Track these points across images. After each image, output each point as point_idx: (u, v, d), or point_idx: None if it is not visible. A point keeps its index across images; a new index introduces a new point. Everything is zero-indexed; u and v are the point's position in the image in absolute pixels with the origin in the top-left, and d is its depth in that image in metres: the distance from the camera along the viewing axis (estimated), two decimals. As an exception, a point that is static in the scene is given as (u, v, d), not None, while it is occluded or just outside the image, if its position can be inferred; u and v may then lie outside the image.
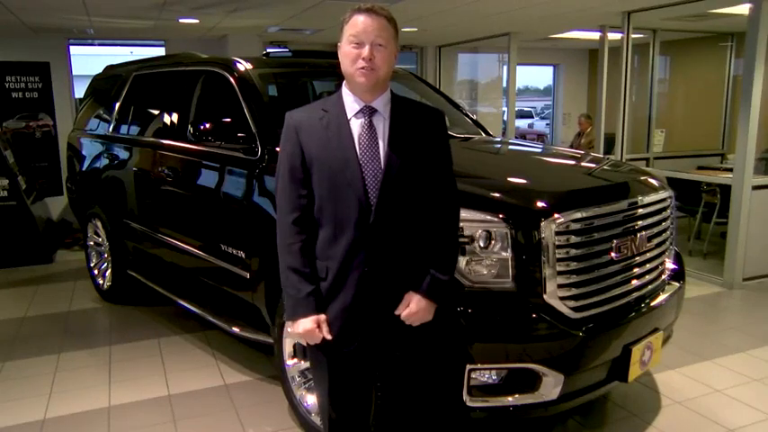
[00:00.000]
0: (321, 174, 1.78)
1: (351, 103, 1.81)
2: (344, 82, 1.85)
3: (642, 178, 2.94)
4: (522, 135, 13.20)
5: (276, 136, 2.90)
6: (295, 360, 2.84)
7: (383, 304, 1.81)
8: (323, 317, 1.81)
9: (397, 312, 1.81)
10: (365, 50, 1.73)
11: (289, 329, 1.88)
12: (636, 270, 2.62)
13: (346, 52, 1.76)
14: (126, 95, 4.57)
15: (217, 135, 3.10)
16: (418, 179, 1.81)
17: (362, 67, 1.73)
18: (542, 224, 2.32)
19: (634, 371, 2.55)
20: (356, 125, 1.80)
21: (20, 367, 3.66)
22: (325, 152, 1.78)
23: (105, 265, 4.79)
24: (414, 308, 1.80)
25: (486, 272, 2.31)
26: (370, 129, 1.79)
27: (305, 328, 1.80)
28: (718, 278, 5.11)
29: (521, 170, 3.00)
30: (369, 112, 1.80)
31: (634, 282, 2.61)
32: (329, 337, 1.80)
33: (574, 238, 2.37)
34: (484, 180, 2.66)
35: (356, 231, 1.75)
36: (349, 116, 1.81)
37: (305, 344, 1.85)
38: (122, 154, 4.39)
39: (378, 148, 1.78)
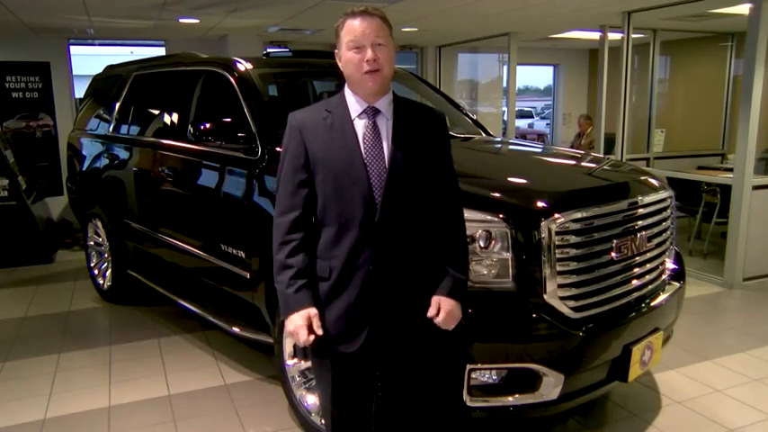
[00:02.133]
0: (326, 173, 1.79)
1: (354, 104, 1.82)
2: (347, 84, 1.86)
3: (642, 178, 2.94)
4: (522, 135, 13.19)
5: (276, 136, 2.91)
6: (295, 360, 2.83)
7: (388, 303, 1.81)
8: (314, 311, 1.78)
9: (429, 315, 1.83)
10: (368, 53, 1.73)
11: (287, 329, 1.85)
12: (636, 270, 2.62)
13: (349, 58, 1.77)
14: (126, 95, 4.58)
15: (217, 135, 3.10)
16: (422, 177, 1.82)
17: (368, 71, 1.74)
18: (542, 224, 2.32)
19: (634, 371, 2.55)
20: (360, 125, 1.81)
21: (20, 367, 3.66)
22: (330, 152, 1.79)
23: (105, 265, 4.79)
24: (448, 308, 1.83)
25: (486, 272, 2.31)
26: (374, 129, 1.80)
27: (295, 324, 1.77)
28: (719, 278, 5.11)
29: (521, 170, 3.00)
30: (372, 112, 1.81)
31: (634, 282, 2.61)
32: (320, 332, 1.78)
33: (574, 238, 2.37)
34: (484, 180, 2.66)
35: (361, 230, 1.76)
36: (353, 116, 1.82)
37: (302, 342, 1.81)
38: (122, 154, 4.39)
39: (382, 147, 1.79)
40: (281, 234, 1.83)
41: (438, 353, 2.02)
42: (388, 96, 1.84)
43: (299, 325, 1.77)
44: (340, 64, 1.82)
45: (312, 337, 1.77)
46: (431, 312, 1.82)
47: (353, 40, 1.74)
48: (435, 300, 1.84)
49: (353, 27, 1.75)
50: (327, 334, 1.83)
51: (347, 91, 1.85)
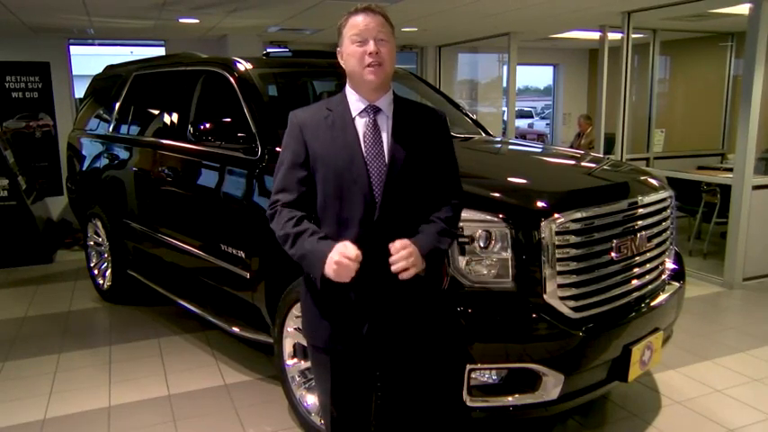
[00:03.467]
0: (326, 171, 1.79)
1: (355, 103, 1.83)
2: (348, 82, 1.86)
3: (642, 178, 2.94)
4: (522, 135, 13.19)
5: (276, 136, 2.91)
6: (295, 360, 2.84)
7: (386, 300, 1.81)
8: (347, 242, 1.70)
9: (390, 260, 1.71)
10: (370, 45, 1.75)
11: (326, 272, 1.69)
12: (636, 270, 2.62)
13: (351, 52, 1.78)
14: (126, 95, 4.58)
15: (217, 135, 3.10)
16: (421, 176, 1.82)
17: (370, 64, 1.75)
18: (542, 224, 2.32)
19: (634, 371, 2.55)
20: (360, 124, 1.81)
21: (20, 367, 3.66)
22: (331, 150, 1.79)
23: (105, 265, 4.79)
24: (405, 250, 1.70)
25: (486, 272, 2.31)
26: (375, 127, 1.81)
27: (335, 260, 1.65)
28: (718, 278, 5.11)
29: (521, 170, 3.00)
30: (373, 111, 1.82)
31: (634, 282, 2.61)
32: (358, 251, 1.67)
33: (574, 238, 2.37)
34: (484, 180, 2.66)
35: (360, 228, 1.76)
36: (353, 115, 1.82)
37: (350, 276, 1.68)
38: (122, 154, 4.39)
39: (382, 145, 1.79)
40: (284, 216, 1.79)
41: (436, 353, 2.01)
42: (388, 95, 1.85)
43: (337, 259, 1.66)
44: (342, 61, 1.83)
45: (355, 262, 1.67)
46: (391, 250, 1.69)
47: (357, 33, 1.76)
48: (399, 240, 1.71)
49: (357, 22, 1.77)
50: (328, 332, 1.83)
51: (348, 90, 1.86)
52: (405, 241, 1.72)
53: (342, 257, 1.66)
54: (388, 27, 1.80)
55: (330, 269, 1.68)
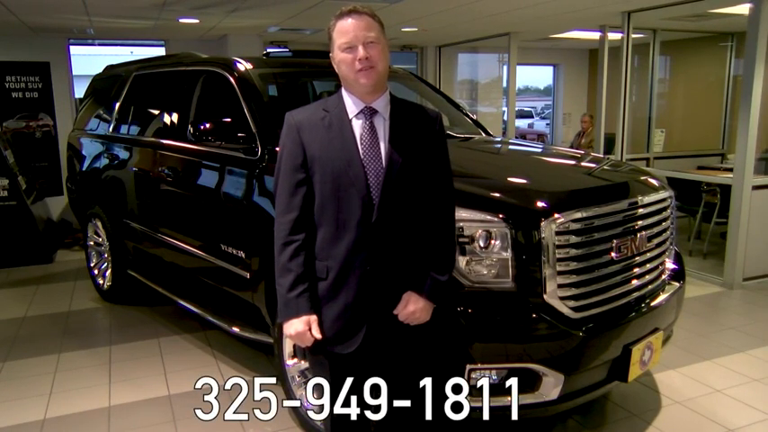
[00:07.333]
0: (323, 173, 1.79)
1: (352, 104, 1.83)
2: (343, 84, 1.86)
3: (642, 178, 2.94)
4: (522, 135, 13.19)
5: (276, 136, 2.90)
6: (295, 360, 2.84)
7: (385, 303, 1.81)
8: (314, 317, 1.81)
9: (395, 312, 1.82)
10: (360, 51, 1.74)
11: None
12: (636, 270, 2.62)
13: (342, 59, 1.79)
14: (126, 95, 4.58)
15: (217, 135, 3.10)
16: (418, 178, 1.82)
17: (361, 69, 1.74)
18: (542, 224, 2.32)
19: (634, 371, 2.55)
20: (357, 125, 1.81)
21: (20, 367, 3.66)
22: (328, 152, 1.79)
23: (105, 265, 4.79)
24: (411, 308, 1.82)
25: (486, 272, 2.31)
26: (372, 129, 1.81)
27: (296, 329, 1.80)
28: (718, 278, 5.12)
29: (521, 170, 3.00)
30: (369, 112, 1.82)
31: (634, 282, 2.61)
32: (319, 336, 1.80)
33: (574, 238, 2.37)
34: (484, 180, 2.66)
35: (358, 230, 1.76)
36: (350, 116, 1.82)
37: (302, 346, 1.86)
38: (122, 154, 4.39)
39: (379, 147, 1.79)
40: (283, 235, 1.83)
41: (436, 353, 2.01)
42: (384, 96, 1.84)
43: (300, 330, 1.79)
44: (334, 65, 1.84)
45: (311, 341, 1.81)
46: (397, 309, 1.82)
47: (345, 42, 1.76)
48: (406, 296, 1.83)
49: (344, 28, 1.77)
50: (325, 335, 1.83)
51: (344, 91, 1.85)
52: (409, 301, 1.82)
53: (294, 339, 1.84)
54: (377, 26, 1.79)
55: (287, 332, 1.83)
